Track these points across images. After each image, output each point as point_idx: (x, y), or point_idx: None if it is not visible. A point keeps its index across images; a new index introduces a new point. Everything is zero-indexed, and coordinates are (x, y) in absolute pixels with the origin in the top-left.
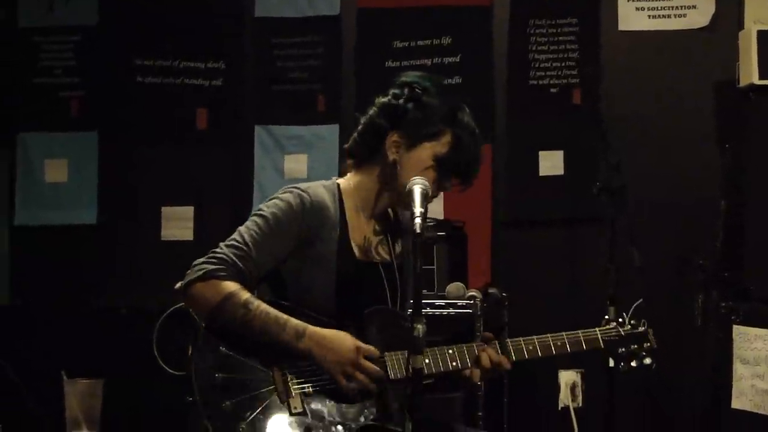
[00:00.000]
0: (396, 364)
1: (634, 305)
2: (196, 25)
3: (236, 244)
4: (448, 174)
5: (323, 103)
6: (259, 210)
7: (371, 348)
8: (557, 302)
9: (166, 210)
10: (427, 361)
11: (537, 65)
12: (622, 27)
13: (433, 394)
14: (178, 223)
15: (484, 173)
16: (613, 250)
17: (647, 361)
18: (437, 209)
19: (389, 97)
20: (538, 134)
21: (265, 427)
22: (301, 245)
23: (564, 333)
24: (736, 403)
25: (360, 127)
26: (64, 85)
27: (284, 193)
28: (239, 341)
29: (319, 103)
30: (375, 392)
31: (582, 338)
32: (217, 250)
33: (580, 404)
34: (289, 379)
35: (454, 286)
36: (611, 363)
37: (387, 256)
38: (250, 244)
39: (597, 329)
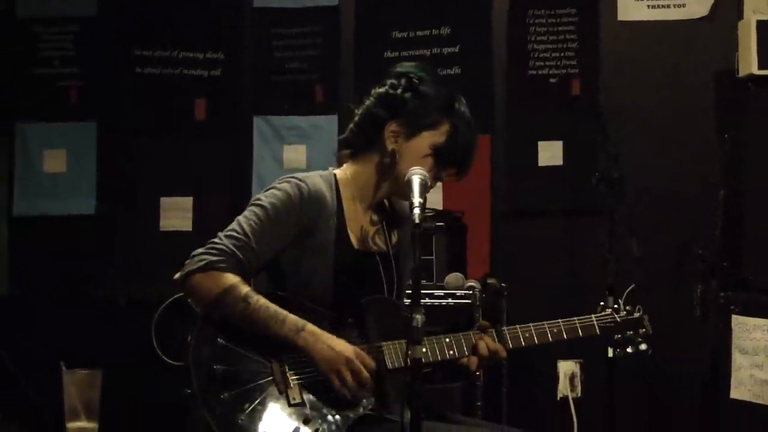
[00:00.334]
0: (394, 354)
1: (627, 290)
2: (194, 16)
3: (235, 234)
4: (444, 163)
5: (322, 94)
6: (257, 200)
7: (367, 357)
8: (556, 292)
9: (165, 200)
10: (424, 350)
11: (536, 55)
12: (621, 17)
13: (431, 385)
14: (177, 214)
15: (483, 163)
16: (612, 241)
17: (643, 347)
18: (436, 199)
19: (386, 87)
20: (537, 125)
21: (264, 418)
22: (299, 235)
23: (560, 320)
24: (735, 393)
25: (357, 118)
26: (63, 75)
27: (282, 182)
28: (238, 333)
29: (317, 94)
30: (359, 399)
31: (578, 325)
32: (216, 240)
33: (579, 394)
34: (287, 370)
35: (453, 277)
36: (610, 353)
37: (384, 246)
38: (249, 234)
39: (593, 316)
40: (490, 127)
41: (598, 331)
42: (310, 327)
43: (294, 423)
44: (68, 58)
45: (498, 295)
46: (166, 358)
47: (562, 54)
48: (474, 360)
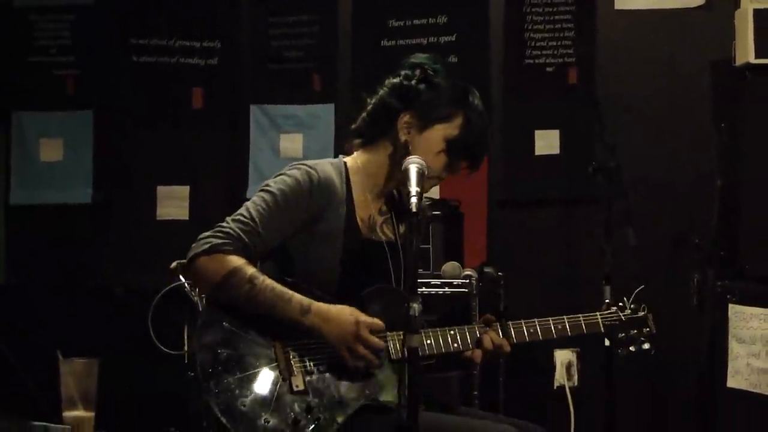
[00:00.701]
0: (398, 344)
1: (636, 291)
2: (191, 4)
3: (243, 218)
4: (458, 156)
5: (319, 83)
6: (266, 185)
7: (375, 321)
8: (553, 281)
9: (161, 189)
10: (428, 341)
11: (533, 44)
12: (618, 6)
13: (430, 374)
14: (173, 203)
15: None
16: (608, 230)
17: (646, 346)
18: (433, 189)
19: (401, 77)
20: (534, 113)
21: (267, 405)
22: (308, 222)
23: (565, 316)
24: (732, 382)
25: (370, 108)
26: (60, 64)
27: (291, 169)
28: (243, 317)
29: (314, 83)
30: (379, 366)
31: (583, 322)
32: (224, 224)
33: (576, 383)
34: (291, 356)
35: (450, 266)
36: (606, 342)
37: (392, 236)
38: (256, 219)
39: (598, 313)
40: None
41: (602, 328)
42: (316, 306)
43: (296, 410)
44: (65, 47)
45: (494, 284)
46: (162, 347)
47: (559, 43)
48: (478, 353)
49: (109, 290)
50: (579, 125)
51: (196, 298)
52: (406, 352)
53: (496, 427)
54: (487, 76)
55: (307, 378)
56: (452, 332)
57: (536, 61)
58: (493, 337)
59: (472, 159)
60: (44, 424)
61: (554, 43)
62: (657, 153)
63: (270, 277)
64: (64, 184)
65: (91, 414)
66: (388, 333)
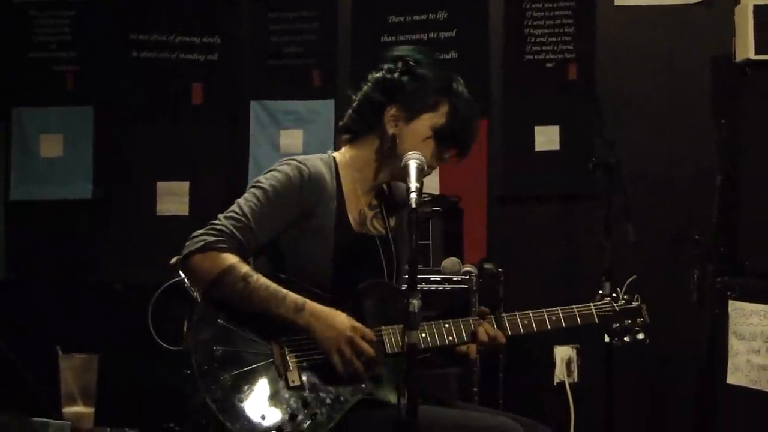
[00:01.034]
0: (392, 339)
1: (628, 281)
2: (191, 0)
3: (235, 215)
4: (446, 144)
5: (319, 78)
6: (257, 182)
7: (368, 331)
8: (553, 277)
9: (161, 185)
10: (423, 335)
11: (533, 40)
12: (618, 2)
13: (428, 370)
14: (173, 198)
15: (479, 148)
16: (608, 226)
17: (640, 336)
18: (433, 184)
19: (383, 71)
20: (534, 109)
21: (263, 401)
22: (299, 217)
23: (559, 308)
24: (732, 379)
25: (355, 104)
26: (60, 60)
27: (282, 165)
28: (238, 314)
29: (314, 78)
30: (366, 375)
31: (577, 313)
32: (216, 221)
33: (576, 380)
34: (287, 352)
35: (450, 261)
36: (606, 338)
37: (382, 230)
38: (249, 215)
39: (591, 304)
40: (486, 111)
41: (596, 319)
42: (310, 305)
43: (293, 406)
44: (65, 43)
45: (494, 279)
46: (162, 343)
47: (559, 39)
48: (473, 346)
49: (109, 286)
50: (579, 121)
51: (196, 293)
52: (404, 347)
53: (493, 420)
54: (487, 71)
55: (304, 373)
56: (447, 325)
57: (536, 56)
58: (487, 329)
59: (461, 146)
60: (44, 419)
61: (554, 39)
62: (657, 149)
63: (263, 274)
64: (64, 180)
65: (90, 409)
66: (383, 327)
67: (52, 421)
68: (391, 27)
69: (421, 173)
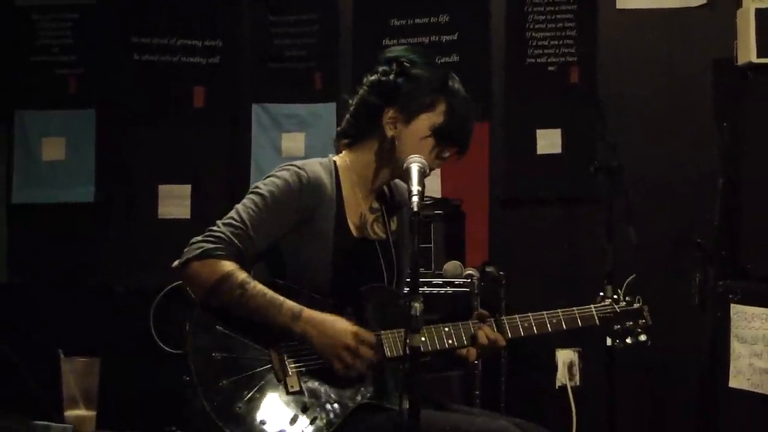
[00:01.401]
0: (393, 343)
1: (627, 281)
2: (193, 3)
3: (233, 222)
4: (446, 143)
5: (320, 82)
6: (256, 188)
7: (368, 334)
8: (555, 280)
9: (163, 188)
10: (423, 339)
11: (534, 43)
12: (620, 5)
13: (429, 373)
14: (175, 201)
15: (481, 151)
16: (610, 229)
17: (642, 338)
18: (435, 187)
19: (378, 74)
20: (536, 112)
21: (262, 407)
22: (299, 223)
23: (559, 310)
24: (734, 382)
25: (352, 108)
26: (62, 63)
27: (281, 170)
28: (236, 320)
29: (316, 82)
30: (366, 380)
31: (577, 315)
32: (214, 228)
33: (578, 383)
34: (286, 358)
35: (452, 265)
36: (609, 342)
37: (383, 234)
38: (247, 222)
39: (592, 306)
40: (488, 114)
41: (597, 321)
42: (307, 313)
43: (292, 411)
44: (67, 46)
45: (496, 283)
46: (164, 346)
47: (561, 42)
48: (473, 350)
49: (110, 289)
50: (581, 124)
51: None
52: (406, 351)
53: (494, 423)
54: (489, 74)
55: (303, 379)
56: (446, 329)
57: (538, 60)
58: (487, 332)
59: (460, 143)
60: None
61: (556, 42)
62: (658, 152)
63: (262, 280)
64: (66, 183)
65: (92, 413)
66: (383, 332)
67: (54, 424)
68: (392, 30)
69: (423, 176)
